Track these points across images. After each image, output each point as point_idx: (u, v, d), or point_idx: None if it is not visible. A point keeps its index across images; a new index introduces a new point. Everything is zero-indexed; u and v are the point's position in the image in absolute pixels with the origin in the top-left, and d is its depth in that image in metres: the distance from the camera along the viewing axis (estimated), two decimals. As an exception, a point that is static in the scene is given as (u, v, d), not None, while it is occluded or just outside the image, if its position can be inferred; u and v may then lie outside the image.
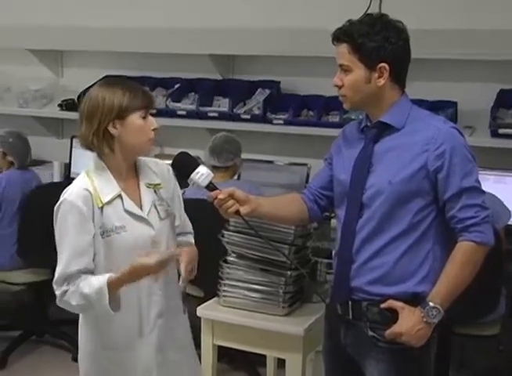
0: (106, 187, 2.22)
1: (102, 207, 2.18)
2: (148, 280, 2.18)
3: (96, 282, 2.12)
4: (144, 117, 2.22)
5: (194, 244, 2.46)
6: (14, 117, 5.12)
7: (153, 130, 2.24)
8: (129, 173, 2.29)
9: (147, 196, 2.28)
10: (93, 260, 2.18)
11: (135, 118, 2.20)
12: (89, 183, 2.21)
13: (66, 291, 2.14)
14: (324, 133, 4.01)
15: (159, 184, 2.32)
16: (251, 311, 2.71)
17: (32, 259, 4.01)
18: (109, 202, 2.20)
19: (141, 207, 2.26)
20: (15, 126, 5.15)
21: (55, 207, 2.20)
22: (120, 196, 2.22)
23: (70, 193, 2.19)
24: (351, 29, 2.14)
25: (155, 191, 2.31)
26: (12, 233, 4.05)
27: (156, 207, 2.29)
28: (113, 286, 2.11)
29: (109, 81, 2.28)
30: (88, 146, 2.23)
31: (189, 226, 2.49)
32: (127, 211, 2.22)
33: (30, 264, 4.06)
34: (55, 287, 2.17)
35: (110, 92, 2.19)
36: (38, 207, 3.67)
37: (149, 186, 2.30)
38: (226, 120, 4.38)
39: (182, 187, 2.47)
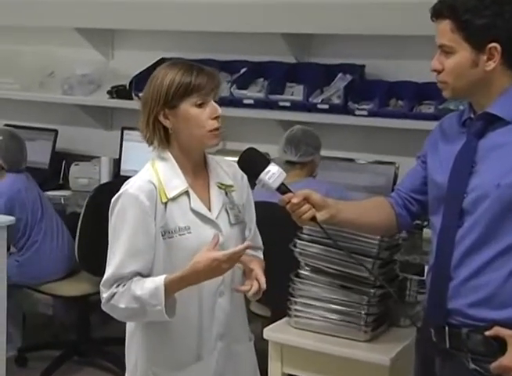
0: (173, 181, 2.22)
1: (166, 203, 2.20)
2: (213, 283, 2.18)
3: (151, 283, 2.13)
4: (201, 105, 2.20)
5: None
6: (57, 105, 5.25)
7: (215, 118, 2.22)
8: (197, 170, 2.29)
9: (217, 197, 2.29)
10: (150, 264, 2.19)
11: (187, 107, 2.19)
12: (154, 175, 2.22)
13: (114, 294, 2.16)
14: (416, 126, 3.98)
15: (231, 186, 2.32)
16: (327, 335, 2.70)
17: (88, 265, 4.11)
18: (174, 198, 2.21)
19: (209, 209, 2.26)
20: (59, 116, 5.29)
21: (113, 200, 2.22)
22: (187, 193, 2.23)
23: (131, 185, 2.21)
24: (455, 2, 2.11)
25: (226, 193, 2.31)
26: (44, 241, 4.21)
27: (227, 211, 2.29)
28: (172, 287, 2.12)
29: (172, 61, 2.28)
30: (146, 141, 2.26)
31: (260, 241, 2.48)
32: (193, 211, 2.23)
33: (86, 269, 4.17)
34: (102, 289, 2.19)
35: (163, 74, 2.20)
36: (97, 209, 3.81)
37: (220, 186, 2.31)
38: (300, 110, 4.38)
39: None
